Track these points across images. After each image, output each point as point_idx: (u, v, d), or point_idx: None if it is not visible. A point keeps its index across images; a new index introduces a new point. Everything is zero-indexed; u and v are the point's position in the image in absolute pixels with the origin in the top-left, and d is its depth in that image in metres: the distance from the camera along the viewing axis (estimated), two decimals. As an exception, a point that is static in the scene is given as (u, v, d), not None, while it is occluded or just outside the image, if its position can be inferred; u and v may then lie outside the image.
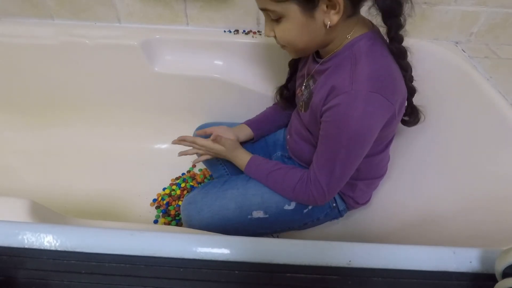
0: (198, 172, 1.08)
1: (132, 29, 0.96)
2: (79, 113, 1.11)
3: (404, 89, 0.58)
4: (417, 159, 0.89)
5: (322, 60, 0.60)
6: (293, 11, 0.53)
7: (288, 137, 0.82)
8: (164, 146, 1.14)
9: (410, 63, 0.60)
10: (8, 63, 0.99)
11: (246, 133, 0.84)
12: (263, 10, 0.56)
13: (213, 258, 0.36)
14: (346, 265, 0.36)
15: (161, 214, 0.96)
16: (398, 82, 0.57)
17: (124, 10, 0.94)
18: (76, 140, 1.12)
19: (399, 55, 0.57)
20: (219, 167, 0.90)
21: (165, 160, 1.09)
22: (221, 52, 0.96)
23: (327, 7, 0.51)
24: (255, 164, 0.73)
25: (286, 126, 0.90)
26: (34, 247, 0.37)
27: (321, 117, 0.58)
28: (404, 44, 0.57)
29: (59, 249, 0.37)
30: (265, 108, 0.91)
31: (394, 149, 0.81)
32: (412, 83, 0.62)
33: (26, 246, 0.37)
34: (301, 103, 0.68)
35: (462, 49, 0.94)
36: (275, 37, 0.59)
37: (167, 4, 0.92)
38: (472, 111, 0.80)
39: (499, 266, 0.32)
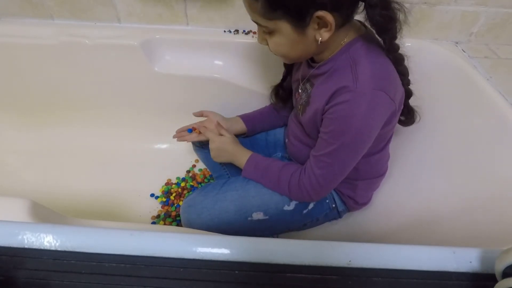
0: (198, 172, 1.08)
1: (132, 29, 0.96)
2: (79, 113, 1.11)
3: (402, 89, 0.59)
4: (417, 159, 0.89)
5: (318, 64, 0.60)
6: (284, 27, 0.53)
7: (286, 140, 0.82)
8: (164, 146, 1.13)
9: (407, 66, 0.60)
10: (8, 63, 0.99)
11: (239, 127, 0.85)
12: (255, 22, 0.56)
13: (213, 258, 0.36)
14: (346, 265, 0.36)
15: (162, 210, 0.96)
16: (397, 82, 0.57)
17: (124, 10, 0.94)
18: (76, 140, 1.12)
19: (396, 62, 0.57)
20: (219, 167, 0.90)
21: (165, 160, 1.09)
22: (221, 52, 0.96)
23: (318, 24, 0.52)
24: (254, 162, 0.73)
25: (282, 126, 0.90)
26: (34, 247, 0.37)
27: (322, 114, 0.58)
28: (401, 49, 0.57)
29: (59, 249, 0.37)
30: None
31: (395, 150, 0.81)
32: (409, 86, 0.62)
33: (26, 246, 0.37)
34: (299, 107, 0.68)
35: (462, 49, 0.94)
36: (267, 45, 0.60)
37: (167, 4, 0.92)
38: (472, 111, 0.80)
39: (499, 266, 0.32)
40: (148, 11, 0.94)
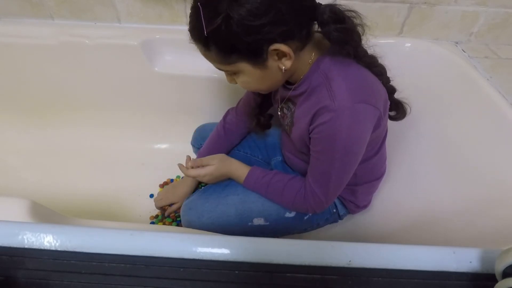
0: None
1: (132, 29, 0.96)
2: (79, 113, 1.11)
3: (383, 90, 0.58)
4: (416, 159, 0.89)
5: (294, 86, 0.60)
6: (245, 67, 0.53)
7: (282, 151, 0.82)
8: (164, 146, 1.13)
9: (382, 64, 0.59)
10: (8, 63, 0.99)
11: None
12: (218, 69, 0.56)
13: (213, 258, 0.36)
14: (346, 265, 0.36)
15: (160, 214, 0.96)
16: (375, 85, 0.57)
17: (124, 10, 0.94)
18: (76, 140, 1.12)
19: (368, 66, 0.57)
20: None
21: (165, 160, 1.09)
22: (221, 52, 0.96)
23: (277, 55, 0.51)
24: (253, 179, 0.72)
25: (240, 141, 0.89)
26: (34, 247, 0.37)
27: (309, 133, 0.58)
28: (371, 49, 0.57)
29: (59, 249, 0.37)
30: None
31: (393, 150, 0.81)
32: (390, 83, 0.61)
33: (26, 246, 0.37)
34: (286, 127, 0.68)
35: (462, 49, 0.94)
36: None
37: (167, 4, 0.92)
38: (472, 111, 0.80)
39: (499, 266, 0.32)
40: (148, 11, 0.94)
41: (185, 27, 0.98)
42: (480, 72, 0.83)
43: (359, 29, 0.52)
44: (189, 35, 0.52)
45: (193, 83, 1.00)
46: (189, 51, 0.97)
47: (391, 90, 0.61)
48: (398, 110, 0.64)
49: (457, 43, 0.96)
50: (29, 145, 1.11)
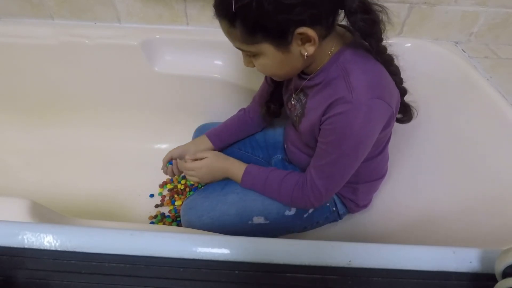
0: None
1: (132, 29, 0.96)
2: (79, 113, 1.11)
3: (396, 91, 0.59)
4: (416, 160, 0.89)
5: (310, 76, 0.60)
6: (268, 49, 0.52)
7: (285, 145, 0.82)
8: (164, 146, 1.13)
9: (398, 65, 0.60)
10: (8, 63, 0.99)
11: (206, 146, 0.83)
12: (238, 48, 0.56)
13: (213, 258, 0.36)
14: (346, 265, 0.36)
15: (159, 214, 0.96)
16: (391, 84, 0.57)
17: (124, 10, 0.94)
18: (76, 140, 1.12)
19: (385, 63, 0.57)
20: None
21: (165, 160, 1.09)
22: (221, 52, 0.96)
23: (301, 40, 0.51)
24: (251, 177, 0.71)
25: (261, 130, 0.89)
26: (34, 247, 0.37)
27: (320, 125, 0.58)
28: (389, 49, 0.57)
29: (59, 249, 0.37)
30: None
31: (394, 151, 0.81)
32: (402, 84, 0.62)
33: (26, 246, 0.37)
34: (295, 118, 0.68)
35: (462, 49, 0.94)
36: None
37: (167, 4, 0.92)
38: (472, 111, 0.80)
39: (499, 266, 0.32)
40: (148, 11, 0.94)
41: (185, 27, 0.99)
42: (480, 72, 0.83)
43: (382, 25, 0.52)
44: (214, 10, 0.51)
45: (193, 83, 1.00)
46: (189, 51, 0.98)
47: (402, 92, 0.61)
48: (405, 113, 0.64)
49: (457, 43, 0.96)
50: (29, 145, 1.11)
